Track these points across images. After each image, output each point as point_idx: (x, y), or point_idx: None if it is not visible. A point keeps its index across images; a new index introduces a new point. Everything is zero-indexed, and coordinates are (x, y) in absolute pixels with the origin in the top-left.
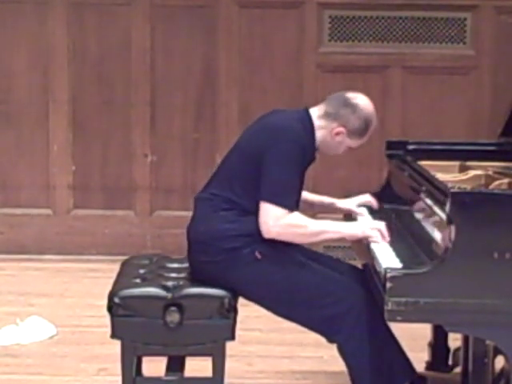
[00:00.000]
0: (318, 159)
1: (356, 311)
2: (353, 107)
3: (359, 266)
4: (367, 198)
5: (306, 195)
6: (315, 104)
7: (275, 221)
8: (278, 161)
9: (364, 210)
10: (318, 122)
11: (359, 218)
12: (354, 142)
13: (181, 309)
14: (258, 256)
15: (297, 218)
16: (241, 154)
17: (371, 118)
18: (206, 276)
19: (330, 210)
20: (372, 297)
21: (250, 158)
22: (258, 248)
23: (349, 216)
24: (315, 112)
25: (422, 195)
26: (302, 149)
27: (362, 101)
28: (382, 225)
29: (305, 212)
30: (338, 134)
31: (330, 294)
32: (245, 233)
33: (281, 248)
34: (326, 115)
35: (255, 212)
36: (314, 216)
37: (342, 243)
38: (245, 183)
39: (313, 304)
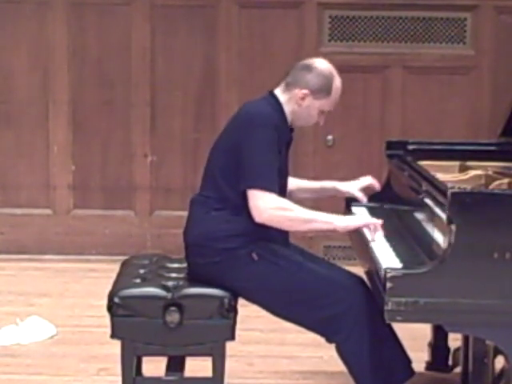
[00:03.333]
0: (318, 160)
1: (355, 311)
2: (308, 68)
3: (359, 266)
4: (369, 180)
5: (306, 184)
6: None
7: (265, 204)
8: (253, 147)
9: (364, 211)
10: (282, 97)
11: (353, 209)
12: (323, 103)
13: (181, 309)
14: (255, 257)
15: (287, 202)
16: (221, 151)
17: (330, 72)
18: (204, 278)
19: (333, 193)
20: (371, 296)
21: (229, 152)
22: (255, 249)
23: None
24: (278, 90)
25: (422, 195)
26: (274, 129)
27: (317, 61)
28: (376, 221)
29: (303, 203)
30: (302, 98)
31: (328, 295)
32: (239, 232)
33: (278, 249)
34: (287, 86)
35: (247, 207)
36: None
37: (342, 243)
38: (229, 178)
39: (311, 305)
